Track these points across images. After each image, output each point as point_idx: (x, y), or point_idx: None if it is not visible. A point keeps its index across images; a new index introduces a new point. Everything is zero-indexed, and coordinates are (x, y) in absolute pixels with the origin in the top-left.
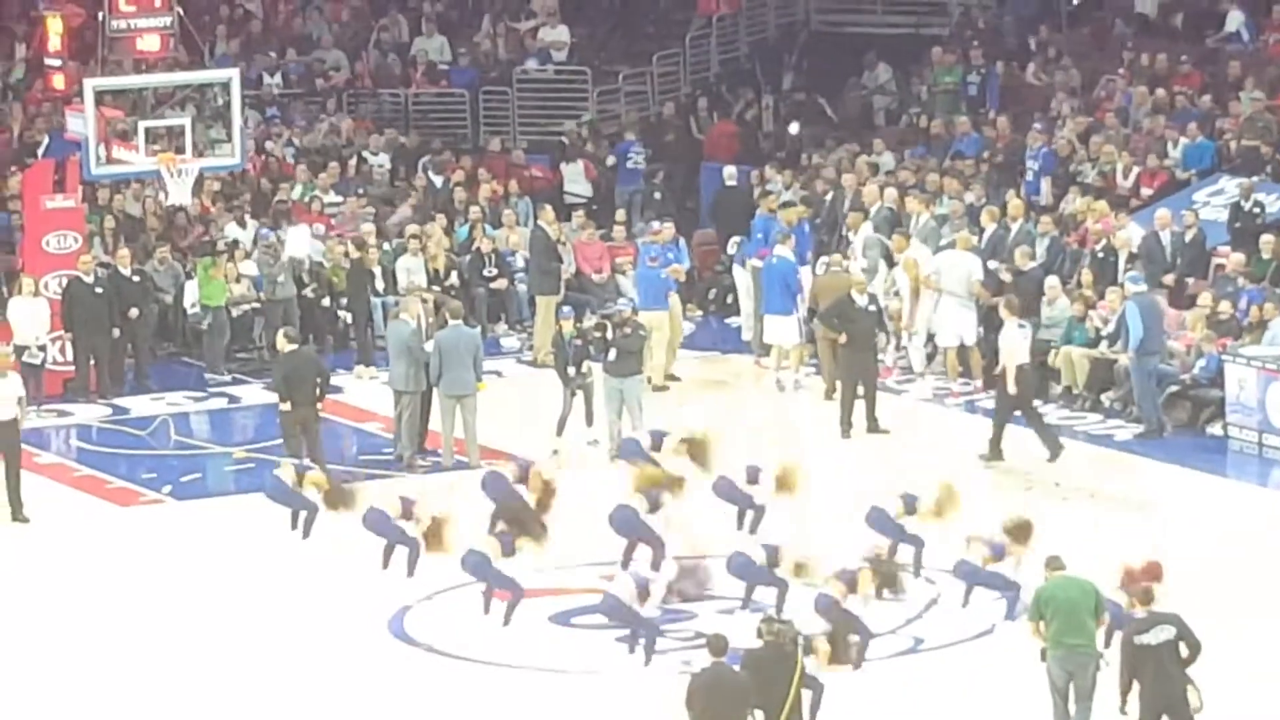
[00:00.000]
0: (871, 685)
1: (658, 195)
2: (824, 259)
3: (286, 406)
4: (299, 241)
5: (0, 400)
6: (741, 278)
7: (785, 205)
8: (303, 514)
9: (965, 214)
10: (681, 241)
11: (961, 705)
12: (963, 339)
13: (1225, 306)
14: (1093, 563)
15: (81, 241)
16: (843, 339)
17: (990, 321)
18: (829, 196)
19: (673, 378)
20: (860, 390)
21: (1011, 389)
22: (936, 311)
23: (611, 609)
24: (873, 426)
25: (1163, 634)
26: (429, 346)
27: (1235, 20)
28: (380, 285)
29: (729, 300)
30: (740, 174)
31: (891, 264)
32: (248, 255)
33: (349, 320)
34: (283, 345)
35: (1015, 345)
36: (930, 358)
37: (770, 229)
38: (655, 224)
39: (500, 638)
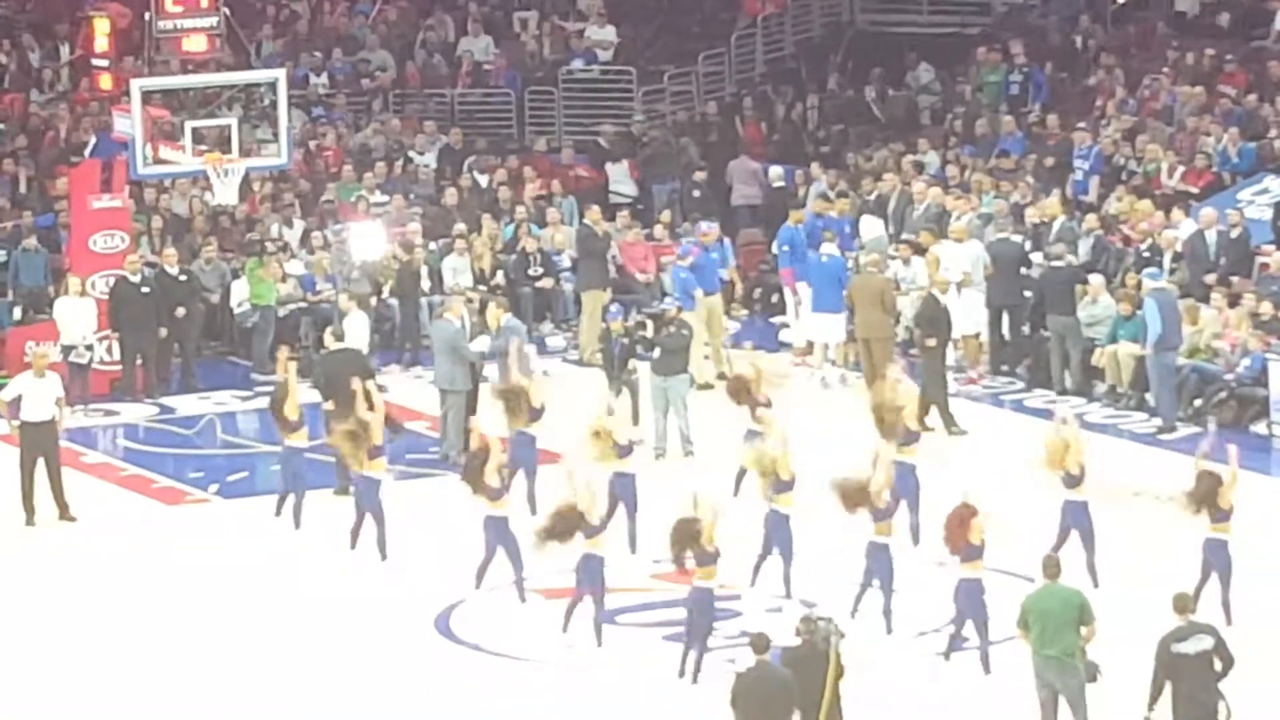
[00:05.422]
0: (911, 685)
1: (697, 194)
2: (861, 259)
3: (329, 406)
4: (372, 241)
5: (39, 400)
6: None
7: (835, 197)
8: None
9: (1010, 212)
10: (727, 241)
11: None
12: (976, 327)
13: (1266, 306)
14: (1129, 560)
15: (128, 241)
16: (932, 342)
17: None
18: (874, 195)
19: (723, 377)
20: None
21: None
22: (960, 300)
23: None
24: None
25: (1200, 644)
26: (483, 344)
27: None
28: (426, 285)
29: (773, 299)
30: (786, 174)
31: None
32: (294, 255)
33: (396, 320)
34: (329, 343)
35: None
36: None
37: (796, 239)
38: (704, 225)
39: (544, 636)
